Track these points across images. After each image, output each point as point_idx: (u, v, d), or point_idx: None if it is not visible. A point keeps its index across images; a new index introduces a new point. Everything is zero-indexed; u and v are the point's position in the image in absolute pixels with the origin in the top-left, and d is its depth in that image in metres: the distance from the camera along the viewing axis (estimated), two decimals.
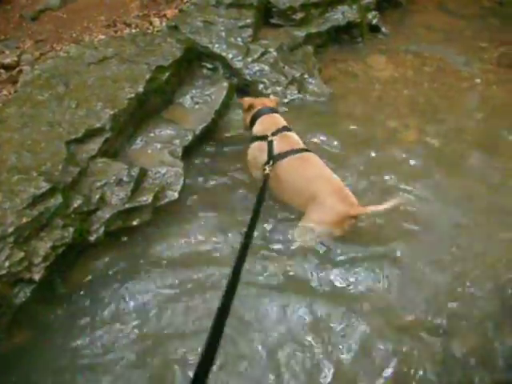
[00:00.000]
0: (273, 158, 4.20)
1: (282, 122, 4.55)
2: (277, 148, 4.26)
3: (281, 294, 3.75)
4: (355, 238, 4.07)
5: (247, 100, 4.74)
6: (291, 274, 3.89)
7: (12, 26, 6.53)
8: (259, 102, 4.68)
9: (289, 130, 4.48)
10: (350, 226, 4.00)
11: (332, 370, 3.29)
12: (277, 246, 4.10)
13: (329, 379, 3.25)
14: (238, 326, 3.48)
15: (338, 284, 3.82)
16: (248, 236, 3.02)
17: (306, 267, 3.92)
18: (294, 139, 4.42)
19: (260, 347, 3.41)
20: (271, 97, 5.13)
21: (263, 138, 4.39)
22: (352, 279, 3.86)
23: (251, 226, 3.15)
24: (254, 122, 4.57)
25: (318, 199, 3.99)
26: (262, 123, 4.53)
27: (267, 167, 4.09)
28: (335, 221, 3.93)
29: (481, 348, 3.46)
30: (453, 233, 4.25)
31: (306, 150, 4.35)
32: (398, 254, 4.02)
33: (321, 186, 4.04)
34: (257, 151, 4.44)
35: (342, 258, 3.98)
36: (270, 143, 4.29)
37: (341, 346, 3.42)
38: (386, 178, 4.71)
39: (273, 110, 4.65)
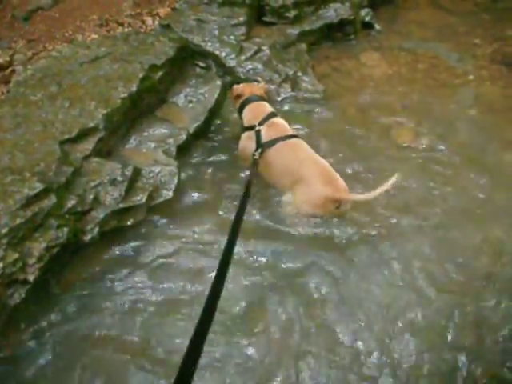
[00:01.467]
0: (261, 145, 4.30)
1: (269, 109, 4.64)
2: (265, 136, 4.36)
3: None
4: None
5: (236, 89, 4.82)
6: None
7: (4, 25, 6.51)
8: (248, 90, 4.76)
9: (275, 116, 4.57)
10: (337, 212, 4.07)
11: None
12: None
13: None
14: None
15: None
16: (237, 219, 3.10)
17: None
18: (282, 126, 4.51)
19: None
20: (260, 84, 5.16)
21: (251, 127, 4.48)
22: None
23: (240, 211, 3.23)
24: (242, 110, 4.69)
25: (303, 180, 4.06)
26: (249, 112, 4.64)
27: (256, 153, 4.22)
28: (318, 203, 4.00)
29: None
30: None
31: (294, 136, 4.42)
32: None
33: (308, 168, 4.11)
34: (246, 141, 4.52)
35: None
36: (258, 132, 4.39)
37: None
38: (377, 173, 4.68)
39: (261, 98, 4.75)
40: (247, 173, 4.49)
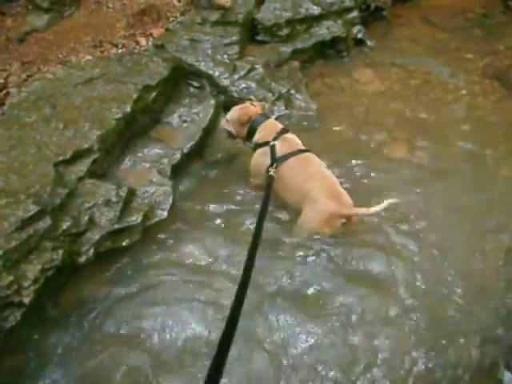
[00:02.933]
0: (276, 160, 4.30)
1: (280, 126, 4.62)
2: (279, 151, 4.35)
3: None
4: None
5: (243, 115, 4.66)
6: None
7: None
8: (253, 112, 4.69)
9: (287, 131, 4.56)
10: (342, 226, 4.08)
11: None
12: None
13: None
14: None
15: None
16: (256, 237, 3.17)
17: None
18: (295, 141, 4.50)
19: None
20: (256, 102, 5.05)
21: (265, 143, 4.46)
22: None
23: (258, 228, 3.31)
24: (254, 133, 4.60)
25: (310, 197, 4.09)
26: (262, 130, 4.56)
27: (271, 169, 4.21)
28: (324, 219, 4.02)
29: None
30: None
31: (307, 151, 4.43)
32: None
33: (314, 184, 4.13)
34: (261, 157, 4.47)
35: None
36: (273, 147, 4.37)
37: None
38: (373, 188, 4.75)
39: (266, 116, 4.73)
40: (251, 186, 4.65)
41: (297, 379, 3.36)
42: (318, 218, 4.04)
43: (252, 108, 4.73)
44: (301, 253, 4.14)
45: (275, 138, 4.43)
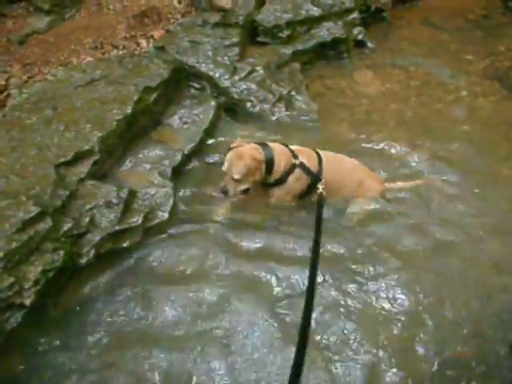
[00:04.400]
0: (318, 175, 4.33)
1: (281, 145, 4.41)
2: (309, 165, 4.33)
3: None
4: None
5: (255, 161, 4.09)
6: None
7: None
8: (254, 151, 4.15)
9: (287, 145, 4.44)
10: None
11: None
12: None
13: None
14: None
15: None
16: (315, 253, 3.26)
17: None
18: (306, 149, 4.48)
19: None
20: (235, 144, 4.32)
21: (293, 167, 4.28)
22: None
23: (316, 247, 3.36)
24: (272, 166, 4.21)
25: (364, 185, 4.55)
26: (280, 160, 4.23)
27: (320, 186, 4.21)
28: (381, 195, 4.64)
29: None
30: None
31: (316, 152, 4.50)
32: None
33: (361, 175, 4.61)
34: (297, 182, 4.34)
35: None
36: (304, 166, 4.31)
37: None
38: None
39: (264, 144, 4.30)
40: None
41: None
42: (378, 194, 4.61)
43: (248, 149, 4.19)
44: None
45: (296, 157, 4.30)
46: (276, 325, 3.66)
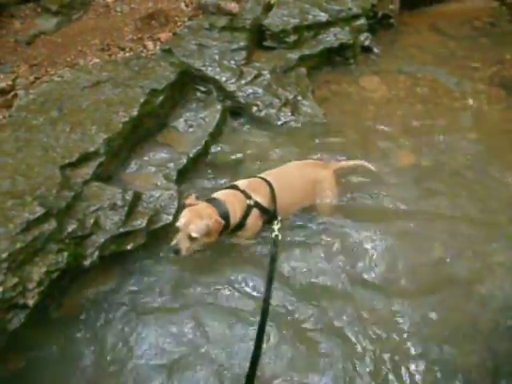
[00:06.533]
0: (273, 212, 4.28)
1: (226, 189, 4.27)
2: (261, 201, 4.22)
3: None
4: None
5: (207, 219, 3.81)
6: None
7: (7, 50, 6.54)
8: (208, 209, 3.92)
9: (237, 187, 4.25)
10: None
11: None
12: None
13: None
14: None
15: None
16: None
17: None
18: (252, 180, 4.36)
19: None
20: (189, 201, 4.05)
21: (249, 208, 4.15)
22: None
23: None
24: (228, 221, 4.01)
25: (319, 186, 4.56)
26: (235, 211, 4.07)
27: (275, 227, 4.17)
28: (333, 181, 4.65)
29: None
30: None
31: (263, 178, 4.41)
32: None
33: (309, 171, 4.61)
34: (256, 219, 4.24)
35: None
36: (258, 204, 4.20)
37: None
38: (376, 195, 4.85)
39: (213, 198, 4.10)
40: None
41: None
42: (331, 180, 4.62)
43: (203, 207, 3.96)
44: None
45: (249, 197, 4.16)
46: None
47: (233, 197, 4.14)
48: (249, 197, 4.16)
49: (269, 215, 4.25)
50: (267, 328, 3.38)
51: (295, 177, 4.54)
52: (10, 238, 3.56)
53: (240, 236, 4.28)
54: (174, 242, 3.80)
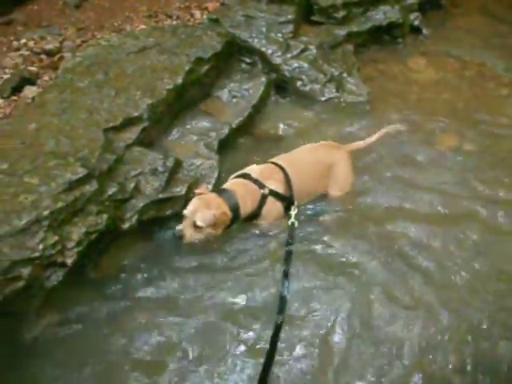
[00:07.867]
0: (290, 197, 4.22)
1: (239, 179, 4.20)
2: (277, 188, 4.17)
3: None
4: None
5: (216, 208, 3.80)
6: None
7: (55, 12, 6.62)
8: (217, 199, 3.90)
9: (249, 175, 4.18)
10: None
11: None
12: None
13: None
14: None
15: None
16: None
17: None
18: (261, 167, 4.31)
19: None
20: (197, 191, 4.04)
21: (263, 198, 4.10)
22: None
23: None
24: (238, 209, 3.97)
25: (333, 169, 4.46)
26: (246, 202, 4.02)
27: (293, 212, 4.16)
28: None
29: None
30: None
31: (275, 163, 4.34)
32: None
33: (322, 156, 4.48)
34: (275, 209, 4.20)
35: None
36: (273, 192, 4.15)
37: None
38: (420, 178, 4.77)
39: (223, 189, 4.07)
40: None
41: None
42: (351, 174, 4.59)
43: (213, 197, 3.94)
44: None
45: (262, 186, 4.10)
46: None
47: (244, 188, 4.07)
48: (262, 186, 4.10)
49: (286, 201, 4.20)
50: None
51: (309, 162, 4.43)
52: (52, 197, 3.58)
53: (258, 223, 4.23)
54: (179, 227, 3.80)
